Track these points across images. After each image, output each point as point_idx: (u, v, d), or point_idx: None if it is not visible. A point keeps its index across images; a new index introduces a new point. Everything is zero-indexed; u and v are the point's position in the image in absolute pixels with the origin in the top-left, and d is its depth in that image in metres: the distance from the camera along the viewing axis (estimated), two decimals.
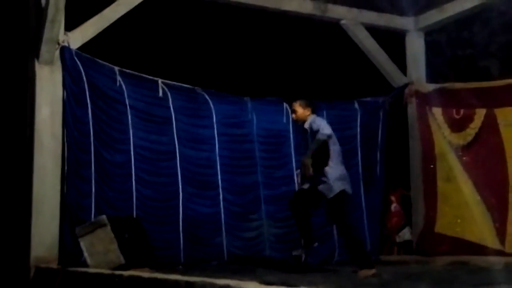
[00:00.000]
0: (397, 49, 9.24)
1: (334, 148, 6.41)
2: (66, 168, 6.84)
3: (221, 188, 8.01)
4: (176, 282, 4.58)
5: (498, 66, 8.92)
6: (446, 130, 8.66)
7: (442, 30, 9.34)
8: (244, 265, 7.22)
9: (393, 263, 8.02)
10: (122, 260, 6.29)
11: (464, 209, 8.33)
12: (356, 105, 9.03)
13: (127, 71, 7.62)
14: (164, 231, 7.50)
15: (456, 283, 5.67)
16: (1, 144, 8.04)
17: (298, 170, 6.84)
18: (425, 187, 8.88)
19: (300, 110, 6.64)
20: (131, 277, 5.14)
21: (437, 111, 8.81)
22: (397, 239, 9.81)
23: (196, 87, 8.21)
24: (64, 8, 6.78)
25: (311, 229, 6.44)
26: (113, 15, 7.38)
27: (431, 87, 8.99)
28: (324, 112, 8.35)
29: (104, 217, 6.53)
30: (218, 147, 8.10)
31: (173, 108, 7.84)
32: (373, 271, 6.16)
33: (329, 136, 6.32)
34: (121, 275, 5.28)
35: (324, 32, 9.41)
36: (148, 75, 7.83)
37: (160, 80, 7.86)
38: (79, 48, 7.16)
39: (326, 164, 6.34)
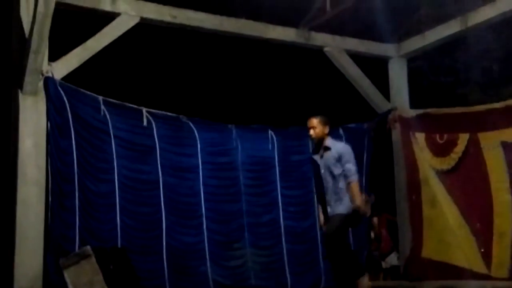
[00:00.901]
0: (381, 76, 9.34)
1: None
2: (50, 199, 6.81)
3: (205, 217, 7.99)
4: None
5: (479, 91, 9.04)
6: (429, 155, 8.72)
7: (424, 56, 9.47)
8: None
9: None
10: None
11: (449, 233, 8.36)
12: (341, 131, 9.06)
13: (111, 100, 7.63)
14: (148, 261, 7.46)
15: None
16: None
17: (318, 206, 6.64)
18: (410, 212, 8.91)
19: (320, 127, 6.41)
20: None
21: (421, 136, 8.87)
22: (384, 265, 9.82)
23: (180, 116, 8.23)
24: (47, 39, 6.80)
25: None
26: (96, 45, 7.41)
27: (414, 112, 9.07)
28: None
29: (88, 248, 6.48)
30: (202, 176, 8.10)
31: (157, 137, 7.85)
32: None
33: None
34: None
35: (308, 59, 9.50)
36: (133, 104, 7.85)
37: (144, 109, 7.87)
38: (63, 79, 7.16)
39: None
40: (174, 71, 10.03)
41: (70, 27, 7.90)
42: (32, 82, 6.83)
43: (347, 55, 9.02)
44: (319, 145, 6.48)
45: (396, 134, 9.19)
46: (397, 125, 9.11)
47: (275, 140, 8.73)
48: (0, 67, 7.67)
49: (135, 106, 7.85)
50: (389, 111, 9.18)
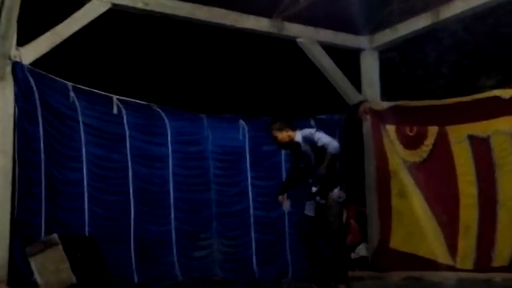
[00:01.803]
0: (353, 68, 9.36)
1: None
2: (16, 185, 6.73)
3: (173, 207, 7.96)
4: None
5: (450, 83, 9.13)
6: (400, 147, 8.78)
7: (396, 49, 9.52)
8: (197, 285, 7.18)
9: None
10: (73, 279, 6.23)
11: (417, 225, 8.42)
12: (312, 122, 9.06)
13: (81, 87, 7.55)
14: (116, 249, 7.43)
15: None
16: None
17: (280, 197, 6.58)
18: (379, 203, 8.98)
19: (280, 135, 6.40)
20: None
21: (391, 129, 8.92)
22: (353, 255, 9.86)
23: (151, 104, 8.18)
24: (16, 23, 6.70)
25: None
26: (67, 30, 7.31)
27: (385, 104, 9.11)
28: None
29: (55, 235, 6.45)
30: (172, 165, 8.06)
31: (127, 125, 7.80)
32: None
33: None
34: None
35: (280, 50, 9.49)
36: (103, 92, 7.77)
37: (114, 97, 7.81)
38: (31, 64, 7.07)
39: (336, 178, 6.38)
40: (146, 59, 9.94)
41: (40, 12, 7.79)
42: (0, 67, 6.73)
43: (320, 46, 9.02)
44: (291, 146, 6.49)
45: (366, 126, 9.23)
46: (368, 117, 9.15)
47: (246, 130, 8.71)
48: None
49: (105, 93, 7.78)
50: (360, 103, 9.22)
